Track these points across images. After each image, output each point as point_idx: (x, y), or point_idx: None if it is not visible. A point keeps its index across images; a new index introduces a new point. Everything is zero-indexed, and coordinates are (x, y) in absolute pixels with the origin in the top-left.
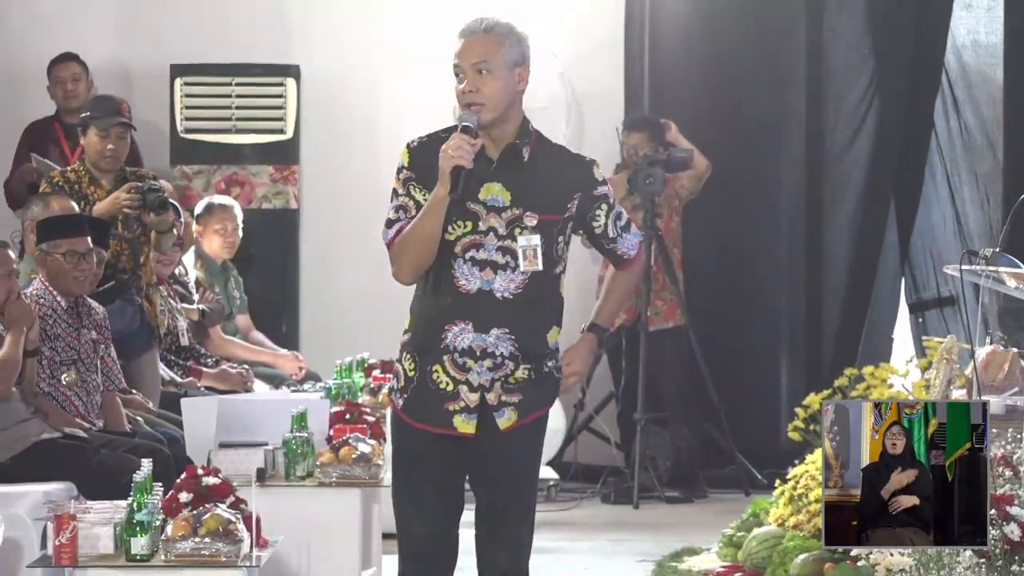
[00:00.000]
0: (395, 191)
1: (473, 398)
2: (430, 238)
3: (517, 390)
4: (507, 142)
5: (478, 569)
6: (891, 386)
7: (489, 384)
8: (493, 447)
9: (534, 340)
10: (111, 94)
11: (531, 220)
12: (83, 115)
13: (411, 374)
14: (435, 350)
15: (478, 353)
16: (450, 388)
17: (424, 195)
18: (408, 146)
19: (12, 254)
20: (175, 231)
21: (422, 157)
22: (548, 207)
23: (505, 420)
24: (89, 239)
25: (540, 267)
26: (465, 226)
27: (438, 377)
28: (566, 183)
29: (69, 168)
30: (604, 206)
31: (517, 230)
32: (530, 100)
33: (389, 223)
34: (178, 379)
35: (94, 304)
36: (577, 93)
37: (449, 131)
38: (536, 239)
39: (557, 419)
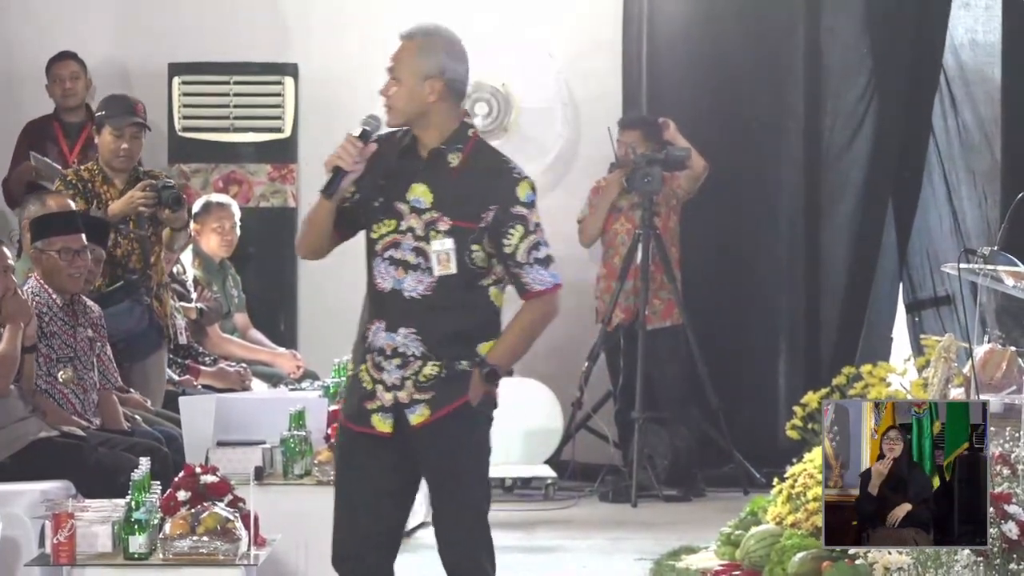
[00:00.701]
0: None
1: (388, 397)
2: (313, 229)
3: (429, 388)
4: (433, 146)
5: None
6: (889, 384)
7: (400, 383)
8: (418, 446)
9: (445, 345)
10: (125, 94)
11: (444, 225)
12: (98, 114)
13: (349, 373)
14: (362, 351)
15: (389, 352)
16: (369, 387)
17: (354, 185)
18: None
19: (8, 251)
20: (189, 228)
21: (374, 157)
22: (464, 215)
23: (417, 416)
24: (83, 236)
25: (454, 271)
26: (389, 224)
27: (362, 376)
28: (486, 194)
29: (82, 167)
30: (519, 227)
31: (432, 233)
32: (526, 100)
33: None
34: (176, 377)
35: (90, 302)
36: (575, 94)
37: (402, 132)
38: (449, 243)
39: (555, 418)
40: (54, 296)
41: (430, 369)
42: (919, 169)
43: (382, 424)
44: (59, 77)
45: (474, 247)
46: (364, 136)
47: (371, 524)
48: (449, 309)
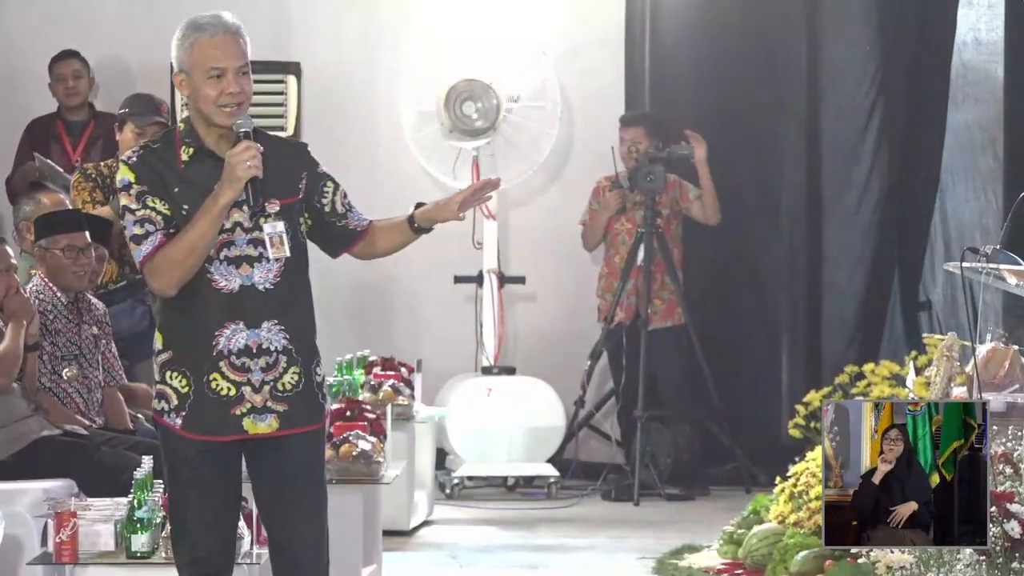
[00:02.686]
0: (128, 208)
1: (258, 399)
2: (206, 246)
3: (284, 399)
4: (234, 136)
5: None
6: (893, 385)
7: (259, 385)
8: (271, 445)
9: (303, 331)
10: (151, 93)
11: (273, 207)
12: (121, 111)
13: (185, 391)
14: (208, 360)
15: (254, 350)
16: (233, 393)
17: (164, 204)
18: (126, 162)
19: (11, 250)
20: None
21: (145, 170)
22: (286, 191)
23: (265, 426)
24: (88, 234)
25: (288, 253)
26: None
27: (217, 385)
28: (292, 165)
29: (103, 163)
30: (330, 183)
31: (261, 219)
32: (518, 98)
33: (138, 239)
34: None
35: (94, 300)
36: (573, 91)
37: (165, 141)
38: (280, 225)
39: (557, 416)
40: (58, 294)
41: (291, 377)
42: (935, 169)
43: (255, 427)
44: (62, 76)
45: (300, 220)
46: (249, 137)
47: (228, 535)
48: (296, 293)
